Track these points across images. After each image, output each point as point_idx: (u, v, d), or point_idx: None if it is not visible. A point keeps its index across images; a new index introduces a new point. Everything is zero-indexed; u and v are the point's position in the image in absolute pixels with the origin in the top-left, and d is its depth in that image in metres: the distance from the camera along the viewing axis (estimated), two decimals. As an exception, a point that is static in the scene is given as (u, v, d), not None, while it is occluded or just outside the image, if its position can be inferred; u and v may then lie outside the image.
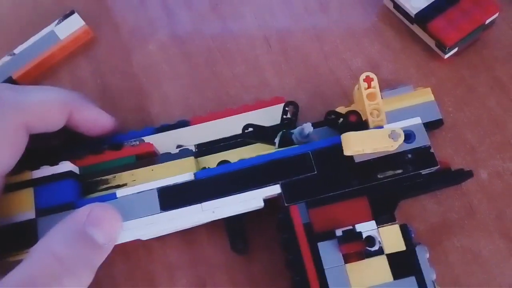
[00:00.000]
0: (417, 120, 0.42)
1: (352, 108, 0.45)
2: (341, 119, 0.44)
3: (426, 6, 0.49)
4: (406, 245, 0.39)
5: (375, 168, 0.41)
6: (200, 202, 0.40)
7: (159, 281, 0.46)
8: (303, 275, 0.38)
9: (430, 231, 0.45)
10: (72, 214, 0.39)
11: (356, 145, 0.39)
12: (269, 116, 0.46)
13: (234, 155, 0.45)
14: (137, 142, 0.45)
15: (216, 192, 0.40)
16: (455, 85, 0.50)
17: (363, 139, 0.39)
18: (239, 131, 0.45)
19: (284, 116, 0.45)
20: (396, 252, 0.39)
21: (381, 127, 0.41)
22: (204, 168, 0.44)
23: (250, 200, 0.40)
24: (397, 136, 0.39)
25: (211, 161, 0.45)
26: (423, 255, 0.39)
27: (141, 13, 0.57)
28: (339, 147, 0.40)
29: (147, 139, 0.46)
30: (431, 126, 0.45)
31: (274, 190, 0.40)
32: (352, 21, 0.54)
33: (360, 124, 0.43)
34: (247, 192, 0.40)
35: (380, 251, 0.39)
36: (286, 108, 0.45)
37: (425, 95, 0.45)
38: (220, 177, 0.41)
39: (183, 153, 0.44)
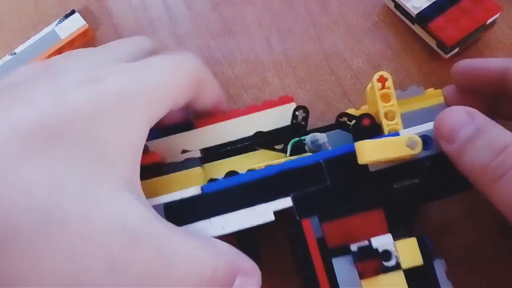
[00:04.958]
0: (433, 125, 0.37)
1: (363, 111, 0.41)
2: (353, 121, 0.39)
3: (427, 6, 0.46)
4: (424, 259, 0.35)
5: (391, 177, 0.36)
6: (209, 218, 0.36)
7: None
8: None
9: (430, 231, 0.43)
10: None
11: (372, 154, 0.35)
12: (277, 116, 0.42)
13: (242, 161, 0.40)
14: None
15: (224, 207, 0.36)
16: (457, 85, 0.49)
17: (378, 148, 0.35)
18: (246, 133, 0.41)
19: (294, 121, 0.40)
20: (414, 267, 0.34)
21: (397, 132, 0.37)
22: (211, 179, 0.39)
23: (260, 215, 0.36)
24: (415, 144, 0.35)
25: (218, 168, 0.40)
26: (440, 269, 0.35)
27: (141, 12, 0.54)
28: (352, 155, 0.36)
29: (150, 143, 0.41)
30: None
31: (285, 203, 0.36)
32: (352, 21, 0.51)
33: (374, 128, 0.39)
34: (256, 206, 0.36)
35: (397, 266, 0.34)
36: (296, 113, 0.40)
37: (435, 97, 0.41)
38: (228, 190, 0.36)
39: (189, 164, 0.40)
